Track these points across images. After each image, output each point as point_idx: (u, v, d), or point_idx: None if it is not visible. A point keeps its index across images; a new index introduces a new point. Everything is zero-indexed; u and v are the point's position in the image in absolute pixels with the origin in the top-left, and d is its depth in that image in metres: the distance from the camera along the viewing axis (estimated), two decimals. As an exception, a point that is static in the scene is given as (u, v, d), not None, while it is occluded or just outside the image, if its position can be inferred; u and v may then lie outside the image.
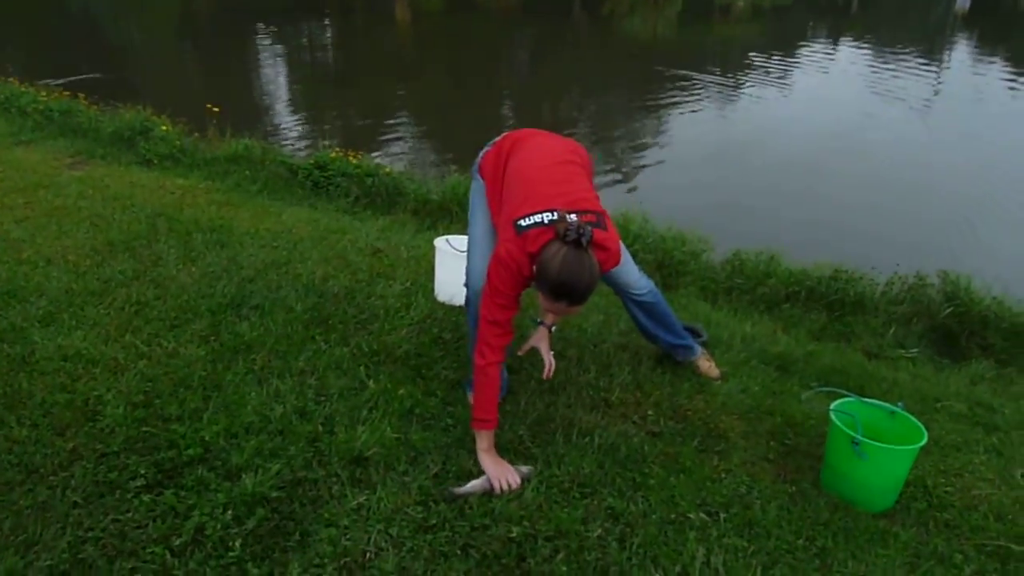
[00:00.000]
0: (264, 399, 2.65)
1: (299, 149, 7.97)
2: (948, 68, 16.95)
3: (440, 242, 3.62)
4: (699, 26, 22.86)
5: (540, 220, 2.29)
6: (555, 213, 2.26)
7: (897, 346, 4.08)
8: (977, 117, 11.73)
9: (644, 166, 8.83)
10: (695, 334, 3.61)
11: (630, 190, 7.76)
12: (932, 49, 19.46)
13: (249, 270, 3.72)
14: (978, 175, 8.34)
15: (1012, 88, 14.14)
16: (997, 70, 16.47)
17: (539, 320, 2.77)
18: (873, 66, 15.91)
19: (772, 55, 17.15)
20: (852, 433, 2.42)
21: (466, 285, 2.73)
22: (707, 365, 3.25)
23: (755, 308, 4.35)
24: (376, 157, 7.90)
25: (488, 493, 2.31)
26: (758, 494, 2.45)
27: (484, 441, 2.41)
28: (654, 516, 2.27)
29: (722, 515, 2.31)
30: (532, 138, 2.68)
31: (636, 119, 11.32)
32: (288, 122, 10.03)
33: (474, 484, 2.32)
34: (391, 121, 10.04)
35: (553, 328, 2.79)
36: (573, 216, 2.24)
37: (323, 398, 2.70)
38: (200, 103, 7.10)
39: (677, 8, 26.22)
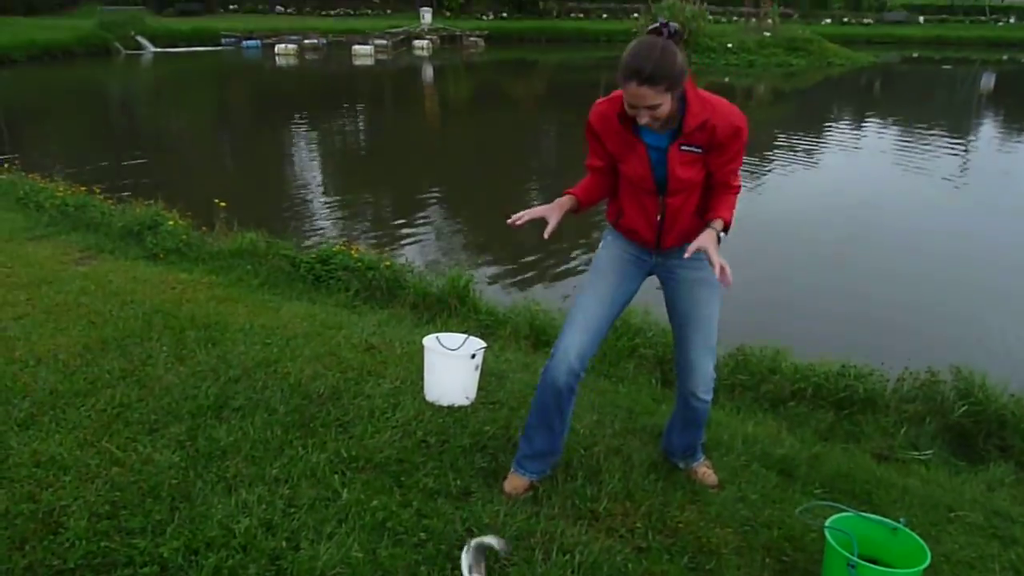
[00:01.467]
0: (231, 510, 2.55)
1: (319, 240, 8.04)
2: (976, 146, 16.99)
3: (429, 340, 3.55)
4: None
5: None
6: None
7: (909, 447, 3.90)
8: (1007, 195, 11.64)
9: None
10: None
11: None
12: (959, 128, 19.54)
13: (237, 369, 3.66)
14: (1002, 263, 8.21)
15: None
16: None
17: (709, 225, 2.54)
18: (899, 145, 15.97)
19: (797, 134, 17.34)
20: (847, 555, 2.26)
21: (554, 349, 2.74)
22: (705, 471, 3.10)
23: (759, 406, 4.19)
24: (396, 249, 7.95)
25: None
26: (748, 621, 2.28)
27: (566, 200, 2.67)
28: (632, 647, 2.11)
29: (707, 646, 2.15)
30: None
31: None
32: (308, 214, 10.18)
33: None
34: (415, 212, 10.14)
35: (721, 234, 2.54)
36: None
37: (293, 509, 2.59)
38: (217, 195, 7.23)
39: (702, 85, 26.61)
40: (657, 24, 2.32)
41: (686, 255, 2.48)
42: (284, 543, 2.40)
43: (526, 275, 7.58)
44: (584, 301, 2.73)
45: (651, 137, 2.51)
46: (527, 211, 2.63)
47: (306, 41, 33.80)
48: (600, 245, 2.86)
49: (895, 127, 19.36)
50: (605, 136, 2.57)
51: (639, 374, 4.42)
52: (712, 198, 2.60)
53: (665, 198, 2.58)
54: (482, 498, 2.74)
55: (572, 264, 7.98)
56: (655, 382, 4.35)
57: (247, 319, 4.48)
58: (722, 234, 2.55)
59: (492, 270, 7.74)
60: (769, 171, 13.45)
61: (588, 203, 2.73)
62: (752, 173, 13.21)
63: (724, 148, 2.48)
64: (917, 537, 2.40)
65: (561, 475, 2.95)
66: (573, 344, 2.66)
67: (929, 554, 2.31)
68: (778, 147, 15.98)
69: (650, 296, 5.91)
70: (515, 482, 2.82)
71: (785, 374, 4.38)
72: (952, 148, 16.20)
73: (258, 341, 4.09)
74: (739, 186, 2.61)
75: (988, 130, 20.62)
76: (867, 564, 2.24)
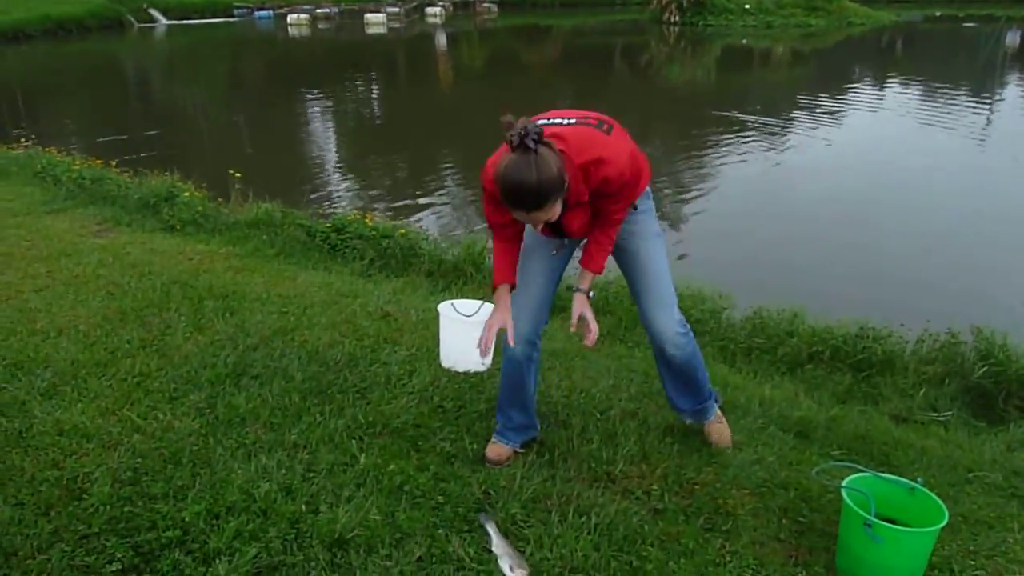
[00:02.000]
0: (251, 476, 2.58)
1: (334, 211, 8.05)
2: (1000, 105, 16.69)
3: (444, 307, 3.55)
4: (740, 72, 22.84)
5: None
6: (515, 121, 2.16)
7: (928, 409, 3.88)
8: None
9: (687, 215, 8.75)
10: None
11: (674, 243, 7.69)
12: (983, 87, 19.18)
13: (255, 338, 3.68)
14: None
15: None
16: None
17: (576, 288, 2.67)
18: (923, 104, 15.73)
19: (819, 96, 17.11)
20: (864, 514, 2.26)
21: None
22: (719, 430, 3.08)
23: (776, 369, 4.18)
24: (412, 219, 7.94)
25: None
26: (764, 580, 2.28)
27: (506, 293, 2.62)
28: (648, 606, 2.13)
29: (723, 604, 2.16)
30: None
31: (680, 166, 11.26)
32: (324, 184, 10.19)
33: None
34: (431, 180, 10.12)
35: (591, 294, 2.69)
36: (526, 120, 2.16)
37: (311, 474, 2.62)
38: (232, 166, 7.24)
39: (715, 55, 26.32)
40: (516, 136, 2.12)
41: (572, 330, 2.69)
42: (303, 507, 2.42)
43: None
44: (524, 279, 2.71)
45: None
46: (486, 336, 2.66)
47: (318, 11, 33.60)
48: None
49: (917, 87, 19.05)
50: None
51: (655, 339, 4.41)
52: (593, 227, 2.58)
53: (564, 238, 2.66)
54: (498, 462, 2.76)
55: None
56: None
57: (264, 288, 4.50)
58: (591, 294, 2.69)
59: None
60: (790, 133, 13.31)
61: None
62: (774, 135, 13.08)
63: (607, 197, 2.44)
64: (935, 496, 2.38)
65: (577, 439, 2.96)
66: (520, 319, 2.67)
67: (947, 513, 2.30)
68: (799, 108, 15.80)
69: (691, 257, 5.89)
70: (498, 450, 2.80)
71: (802, 337, 4.35)
72: (976, 107, 15.93)
73: (275, 310, 4.11)
74: (621, 219, 2.58)
75: (1013, 89, 20.22)
76: (884, 523, 2.23)
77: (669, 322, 2.73)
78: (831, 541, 2.48)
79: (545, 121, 2.37)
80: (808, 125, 13.87)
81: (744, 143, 12.25)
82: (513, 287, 2.66)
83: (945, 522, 2.26)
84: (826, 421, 3.45)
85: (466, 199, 9.43)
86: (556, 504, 2.53)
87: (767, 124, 13.78)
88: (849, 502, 2.32)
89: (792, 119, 14.66)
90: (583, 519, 2.46)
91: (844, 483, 2.40)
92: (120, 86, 20.34)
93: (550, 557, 2.28)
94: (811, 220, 8.26)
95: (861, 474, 2.47)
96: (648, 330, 2.79)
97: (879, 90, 19.16)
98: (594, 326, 2.63)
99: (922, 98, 17.06)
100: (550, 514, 2.48)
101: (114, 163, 7.95)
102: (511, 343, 2.65)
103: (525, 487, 2.61)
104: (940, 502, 2.35)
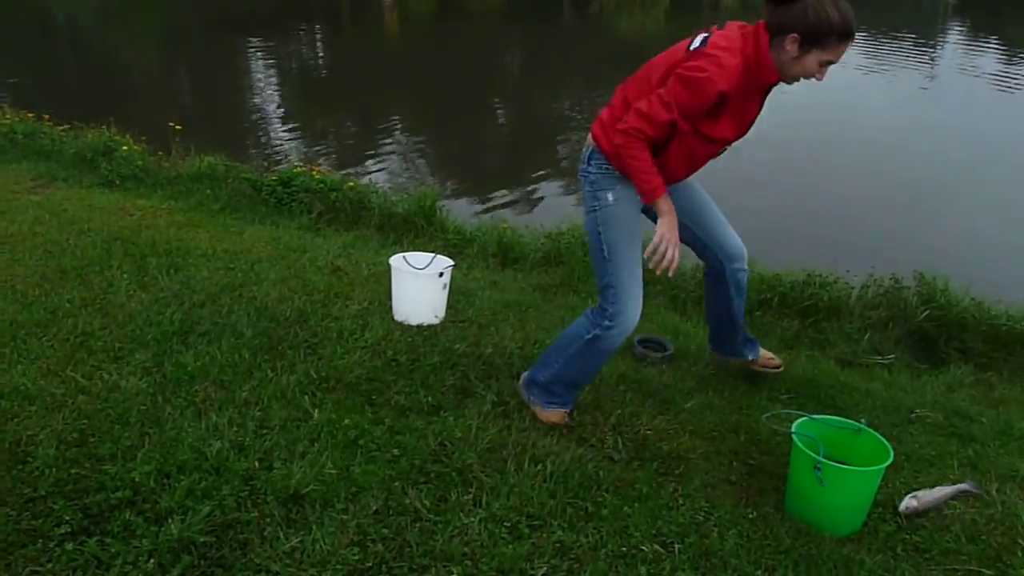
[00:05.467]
0: (202, 434, 2.53)
1: (279, 164, 7.87)
2: (941, 53, 16.95)
3: (396, 260, 3.51)
4: (689, 20, 22.76)
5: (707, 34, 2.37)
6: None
7: (873, 352, 3.98)
8: (970, 105, 11.68)
9: None
10: (662, 348, 3.52)
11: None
12: (925, 36, 19.44)
13: (201, 295, 3.60)
14: (966, 166, 8.27)
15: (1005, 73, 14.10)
16: (992, 52, 16.47)
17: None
18: (866, 55, 15.86)
19: None
20: (815, 456, 2.31)
21: (610, 317, 2.57)
22: (768, 356, 3.25)
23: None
24: (361, 172, 7.80)
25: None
26: (716, 521, 2.33)
27: (665, 203, 2.46)
28: (604, 550, 2.16)
29: (677, 546, 2.20)
30: None
31: None
32: (268, 137, 9.93)
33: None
34: (379, 133, 9.93)
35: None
36: None
37: (264, 431, 2.58)
38: (171, 119, 7.01)
39: (665, 4, 26.20)
40: None
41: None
42: (257, 463, 2.39)
43: (493, 194, 7.51)
44: (630, 269, 2.57)
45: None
46: (669, 252, 2.47)
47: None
48: (602, 199, 2.59)
49: (861, 37, 19.20)
50: (733, 100, 2.37)
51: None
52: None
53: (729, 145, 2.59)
54: (453, 413, 2.75)
55: (539, 183, 7.91)
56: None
57: (209, 244, 4.39)
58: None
59: (458, 190, 7.65)
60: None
61: None
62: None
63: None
64: (880, 436, 2.45)
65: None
66: (635, 316, 2.60)
67: (892, 453, 2.37)
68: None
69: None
70: (558, 415, 2.77)
71: (751, 284, 4.39)
72: (919, 55, 16.15)
73: (222, 266, 4.02)
74: None
75: (954, 36, 20.55)
76: (832, 464, 2.29)
77: (737, 238, 2.85)
78: (780, 482, 2.55)
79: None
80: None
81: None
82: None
83: (890, 461, 2.33)
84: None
85: (415, 151, 9.31)
86: (512, 454, 2.54)
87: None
88: (800, 445, 2.37)
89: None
90: (539, 467, 2.47)
91: (794, 427, 2.45)
92: (49, 34, 19.45)
93: (507, 505, 2.29)
94: (756, 166, 8.33)
95: (810, 418, 2.53)
96: (725, 255, 2.84)
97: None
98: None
99: (865, 48, 17.22)
100: (506, 463, 2.49)
101: (47, 116, 7.63)
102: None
103: (481, 437, 2.61)
104: (885, 442, 2.42)
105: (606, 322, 2.58)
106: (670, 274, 2.51)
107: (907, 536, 2.38)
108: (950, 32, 21.45)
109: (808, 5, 2.26)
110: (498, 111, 11.77)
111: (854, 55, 15.86)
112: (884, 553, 2.29)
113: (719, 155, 2.61)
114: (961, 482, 2.61)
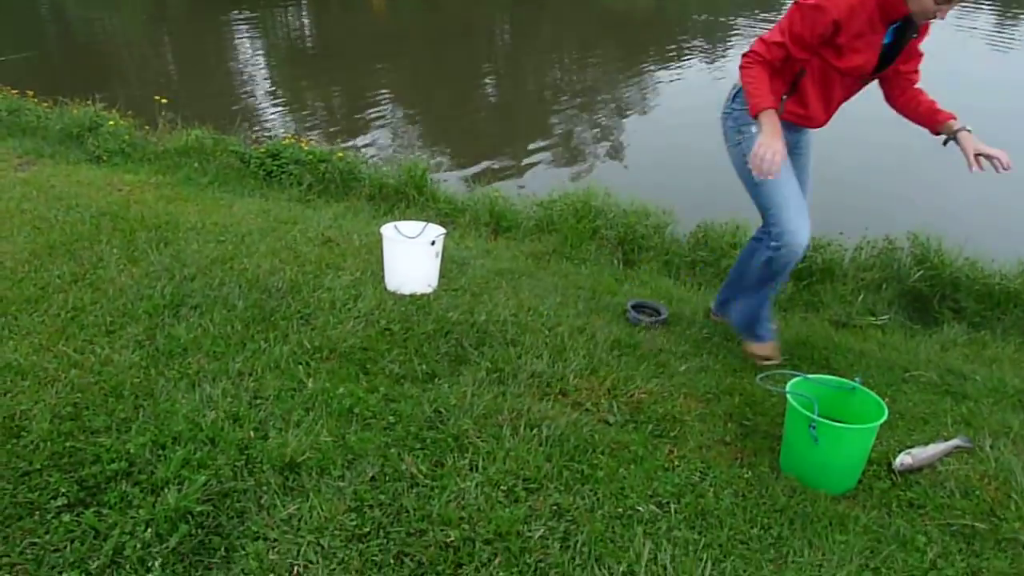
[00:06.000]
0: (196, 405, 2.52)
1: (268, 137, 7.80)
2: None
3: (387, 229, 3.49)
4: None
5: None
6: None
7: (867, 313, 3.99)
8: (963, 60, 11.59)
9: (630, 132, 8.72)
10: (656, 312, 3.52)
11: (612, 160, 7.67)
12: None
13: (192, 268, 3.57)
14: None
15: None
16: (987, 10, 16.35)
17: (962, 127, 2.73)
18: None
19: (757, 13, 17.04)
20: (809, 415, 2.31)
21: (776, 237, 2.79)
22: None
23: (720, 281, 4.21)
24: (350, 146, 7.74)
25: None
26: (712, 481, 2.34)
27: (768, 118, 2.58)
28: (601, 511, 2.16)
29: (673, 506, 2.21)
30: None
31: (620, 87, 11.17)
32: (256, 111, 9.83)
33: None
34: (369, 106, 9.83)
35: (967, 128, 2.74)
36: None
37: (259, 401, 2.57)
38: (157, 93, 6.92)
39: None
40: None
41: (972, 169, 2.68)
42: (252, 433, 2.39)
43: (484, 163, 7.46)
44: (783, 189, 2.78)
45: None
46: (768, 155, 2.56)
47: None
48: (746, 132, 2.85)
49: None
50: (847, 28, 2.55)
51: (601, 255, 4.43)
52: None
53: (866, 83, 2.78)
54: (448, 380, 2.75)
55: (531, 154, 7.86)
56: (617, 262, 4.36)
57: (199, 218, 4.36)
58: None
59: (449, 161, 7.60)
60: (731, 45, 13.25)
61: None
62: (713, 47, 13.01)
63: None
64: (874, 395, 2.46)
65: (527, 355, 2.96)
66: (800, 231, 2.78)
67: (886, 410, 2.38)
68: (735, 23, 15.69)
69: (612, 177, 5.88)
70: (771, 346, 3.13)
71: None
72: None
73: (212, 239, 3.99)
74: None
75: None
76: (827, 422, 2.30)
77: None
78: (775, 442, 2.55)
79: None
80: (749, 33, 13.83)
81: (687, 59, 12.19)
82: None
83: (884, 418, 2.34)
84: (769, 329, 3.52)
85: (405, 123, 9.23)
86: (507, 419, 2.54)
87: (706, 42, 13.70)
88: (795, 404, 2.38)
89: (732, 31, 14.59)
90: (534, 432, 2.47)
91: (788, 386, 2.46)
92: (32, 8, 19.17)
93: (503, 469, 2.29)
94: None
95: (804, 377, 2.53)
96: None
97: None
98: (991, 151, 2.65)
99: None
100: (502, 428, 2.49)
101: (31, 92, 7.53)
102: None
103: (476, 404, 2.61)
104: (879, 399, 2.43)
105: (773, 243, 2.80)
106: (771, 176, 2.60)
107: (901, 493, 2.40)
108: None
109: None
110: (487, 82, 11.67)
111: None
112: (879, 509, 2.31)
113: (854, 93, 2.82)
114: (954, 438, 2.62)
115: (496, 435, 2.46)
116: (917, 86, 2.86)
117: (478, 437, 2.45)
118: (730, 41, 13.94)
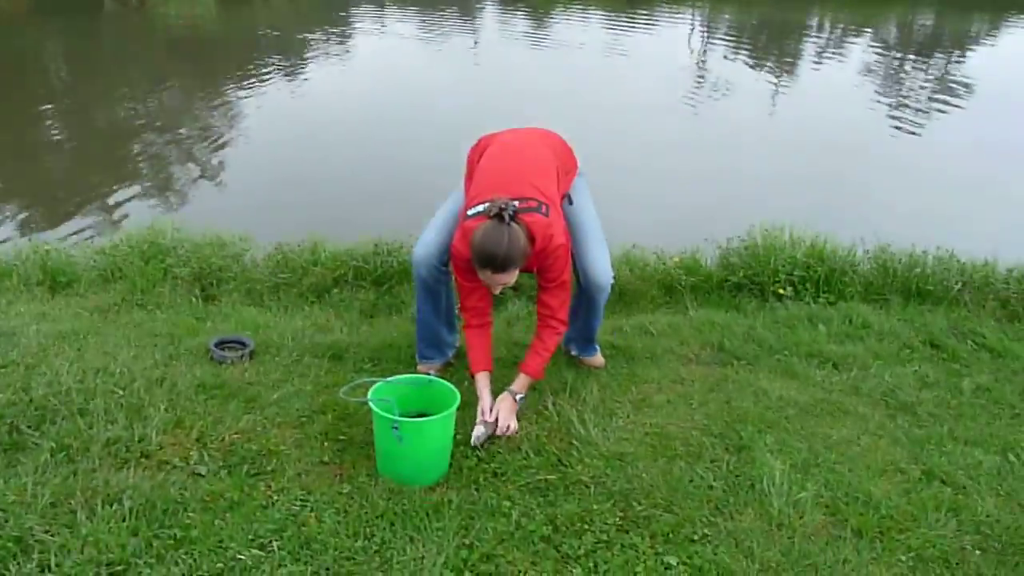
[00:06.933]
0: None
1: None
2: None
3: None
4: (241, 10, 21.91)
5: (479, 209, 2.68)
6: (493, 200, 2.62)
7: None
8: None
9: (217, 161, 8.37)
10: (242, 345, 3.43)
11: (195, 190, 7.29)
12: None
13: None
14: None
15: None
16: None
17: (509, 389, 2.88)
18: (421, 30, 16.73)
19: (327, 29, 17.31)
20: (391, 417, 2.43)
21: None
22: (596, 358, 3.52)
23: (304, 300, 4.23)
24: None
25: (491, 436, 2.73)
26: (313, 506, 2.35)
27: (483, 382, 2.85)
28: (199, 573, 2.05)
29: (276, 543, 2.17)
30: (504, 134, 3.09)
31: (200, 112, 10.60)
32: None
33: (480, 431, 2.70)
34: None
35: (520, 397, 2.89)
36: (506, 199, 2.61)
37: None
38: None
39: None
40: (495, 208, 2.57)
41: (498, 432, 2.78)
42: None
43: (28, 213, 6.62)
44: (440, 211, 3.11)
45: None
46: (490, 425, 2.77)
47: None
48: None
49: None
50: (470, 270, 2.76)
51: (176, 295, 4.17)
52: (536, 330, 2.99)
53: None
54: (2, 475, 2.38)
55: (95, 195, 7.15)
56: (195, 300, 4.15)
57: None
58: (519, 398, 2.89)
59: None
60: (308, 60, 13.31)
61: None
62: (292, 64, 12.95)
63: (551, 265, 2.82)
64: (447, 383, 2.67)
65: (99, 423, 2.68)
66: (426, 241, 3.06)
67: (458, 395, 2.59)
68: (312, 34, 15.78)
69: (196, 209, 5.54)
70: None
71: (325, 264, 4.45)
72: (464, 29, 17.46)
73: None
74: (567, 282, 2.93)
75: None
76: (407, 420, 2.44)
77: (604, 260, 3.08)
78: (370, 449, 2.64)
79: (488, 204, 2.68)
80: (324, 48, 14.08)
81: (264, 78, 12.04)
82: (490, 374, 2.92)
83: (457, 403, 2.55)
84: (356, 338, 3.62)
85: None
86: (81, 501, 2.29)
87: (282, 59, 13.63)
88: (377, 410, 2.48)
89: (309, 46, 14.71)
90: (114, 508, 2.25)
91: (369, 394, 2.55)
92: None
93: (81, 560, 2.06)
94: (323, 147, 8.49)
95: (384, 381, 2.65)
96: (586, 272, 3.08)
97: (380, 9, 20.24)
98: (513, 424, 2.80)
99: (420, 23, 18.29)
100: (75, 514, 2.23)
101: None
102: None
103: (41, 494, 2.30)
104: (452, 387, 2.64)
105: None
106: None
107: (487, 465, 2.64)
108: None
109: (479, 227, 2.65)
110: (42, 121, 10.20)
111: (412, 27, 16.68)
112: (468, 488, 2.51)
113: None
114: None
115: (70, 523, 2.20)
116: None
117: (46, 532, 2.17)
118: (306, 54, 14.10)
